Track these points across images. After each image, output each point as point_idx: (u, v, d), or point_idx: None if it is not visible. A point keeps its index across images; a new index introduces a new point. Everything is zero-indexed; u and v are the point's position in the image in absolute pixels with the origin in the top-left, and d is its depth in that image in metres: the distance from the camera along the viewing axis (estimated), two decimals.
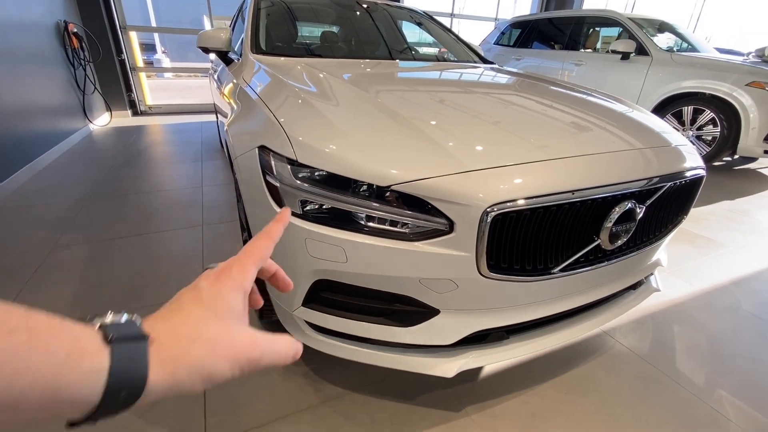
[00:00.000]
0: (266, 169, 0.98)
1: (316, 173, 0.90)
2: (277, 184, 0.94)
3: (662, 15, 5.01)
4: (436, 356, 1.00)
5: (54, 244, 2.04)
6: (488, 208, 0.81)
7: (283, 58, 1.74)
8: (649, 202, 1.01)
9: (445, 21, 7.55)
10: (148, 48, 17.12)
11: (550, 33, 5.43)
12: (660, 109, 4.02)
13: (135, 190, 2.84)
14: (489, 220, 0.81)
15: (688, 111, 3.79)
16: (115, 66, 5.32)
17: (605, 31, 4.92)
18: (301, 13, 2.29)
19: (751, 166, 4.22)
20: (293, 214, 0.92)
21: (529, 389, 1.25)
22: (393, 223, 0.87)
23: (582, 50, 4.93)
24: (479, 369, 1.32)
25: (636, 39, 4.21)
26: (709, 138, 3.70)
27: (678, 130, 3.86)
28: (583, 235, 0.96)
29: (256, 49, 1.83)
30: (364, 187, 0.86)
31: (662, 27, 4.67)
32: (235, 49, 2.14)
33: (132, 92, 5.70)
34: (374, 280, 0.90)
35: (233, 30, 2.83)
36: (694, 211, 2.78)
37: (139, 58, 6.03)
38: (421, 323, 0.95)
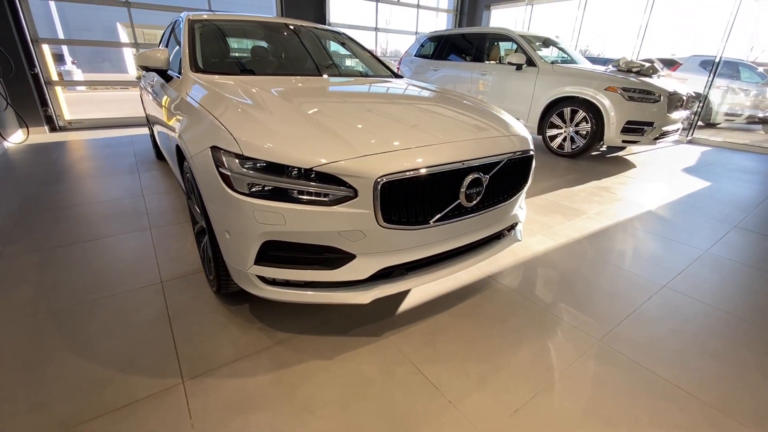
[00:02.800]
0: (218, 163, 1.32)
1: (258, 163, 1.26)
2: (229, 174, 1.28)
3: (548, 31, 5.99)
4: (356, 290, 1.40)
5: None
6: (377, 179, 1.23)
7: (219, 76, 2.04)
8: (492, 173, 1.51)
9: (369, 35, 8.11)
10: (57, 59, 15.63)
11: (461, 46, 6.19)
12: (548, 110, 4.87)
13: (72, 203, 2.90)
14: (379, 187, 1.23)
15: (567, 111, 4.66)
16: (28, 81, 5.07)
17: (506, 45, 5.76)
18: (231, 34, 2.59)
19: (620, 153, 5.25)
20: (242, 193, 1.27)
21: (432, 317, 1.70)
22: (316, 194, 1.25)
23: (487, 62, 5.72)
24: (395, 306, 1.74)
25: (525, 53, 5.05)
26: (584, 132, 4.58)
27: (562, 127, 4.74)
28: (448, 196, 1.42)
29: (195, 68, 2.12)
30: (294, 170, 1.24)
31: (546, 42, 5.61)
32: (172, 67, 2.38)
33: (48, 107, 5.44)
34: (306, 236, 1.28)
35: (166, 46, 3.03)
36: (568, 190, 3.52)
37: (54, 72, 5.76)
38: (343, 266, 1.35)
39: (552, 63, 4.94)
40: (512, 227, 1.89)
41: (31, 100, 5.16)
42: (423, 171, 1.30)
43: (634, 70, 4.76)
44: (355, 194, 1.25)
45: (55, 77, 5.77)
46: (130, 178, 3.54)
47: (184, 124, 1.65)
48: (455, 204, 1.44)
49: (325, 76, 2.43)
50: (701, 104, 6.42)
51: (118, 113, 6.48)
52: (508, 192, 1.67)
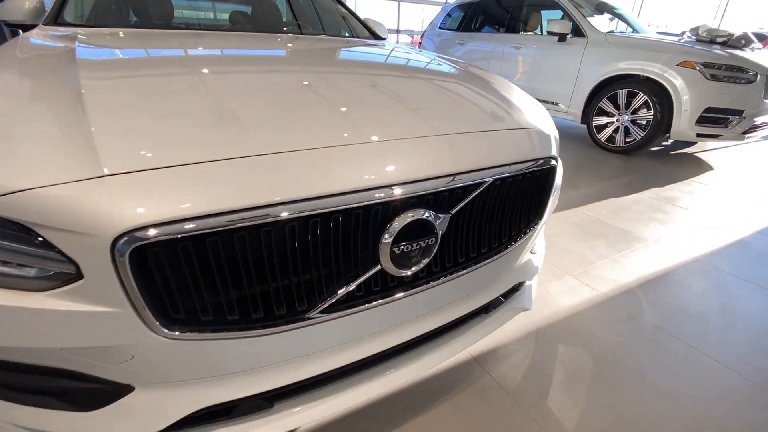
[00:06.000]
0: None
1: None
2: None
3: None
4: None
5: None
6: (122, 236, 0.49)
7: (74, 29, 1.36)
8: (457, 208, 0.73)
9: (392, 4, 7.19)
10: None
11: (494, 15, 5.18)
12: (597, 93, 3.84)
13: None
14: (128, 254, 0.50)
15: (622, 94, 3.62)
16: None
17: (551, 14, 4.69)
18: None
19: (689, 150, 4.13)
20: None
21: None
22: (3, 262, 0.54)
23: (522, 33, 4.70)
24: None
25: (571, 19, 4.00)
26: (644, 122, 3.54)
27: (614, 115, 3.71)
28: (355, 258, 0.66)
29: (54, 18, 1.45)
30: None
31: (600, 7, 4.49)
32: None
33: None
34: None
35: None
36: (617, 201, 2.59)
37: None
38: (107, 405, 0.63)
39: (607, 33, 3.87)
40: (515, 289, 1.10)
41: None
42: (257, 215, 0.54)
43: (719, 40, 3.61)
44: (78, 272, 0.52)
45: None
46: None
47: None
48: (374, 272, 0.68)
49: (240, 33, 1.66)
50: None
51: None
52: (503, 236, 0.88)
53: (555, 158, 0.90)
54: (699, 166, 3.54)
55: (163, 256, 0.52)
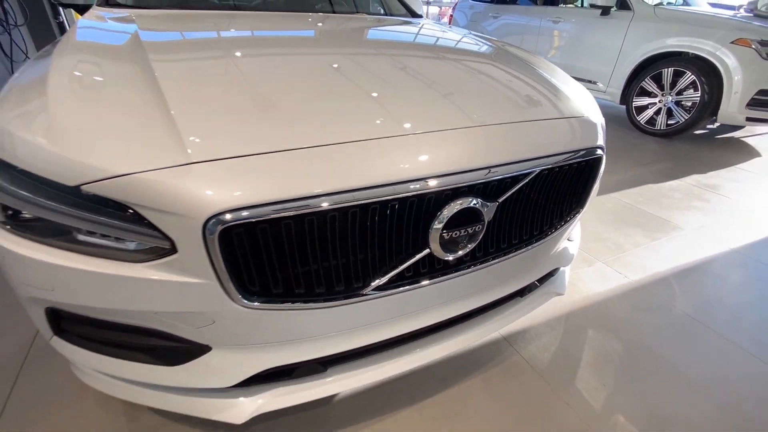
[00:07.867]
0: None
1: (10, 170, 0.64)
2: None
3: None
4: (224, 397, 0.79)
5: None
6: (210, 219, 0.55)
7: (131, 11, 1.42)
8: (504, 197, 0.76)
9: None
10: None
11: None
12: (639, 72, 3.65)
13: None
14: (217, 236, 0.56)
15: (668, 73, 3.43)
16: (53, 30, 4.88)
17: None
18: None
19: (736, 134, 3.90)
20: None
21: (389, 416, 1.04)
22: (102, 238, 0.61)
23: (562, 6, 4.46)
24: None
25: None
26: (689, 104, 3.36)
27: (656, 96, 3.53)
28: (406, 242, 0.71)
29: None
30: (59, 190, 0.60)
31: None
32: None
33: None
34: (96, 312, 0.67)
35: None
36: (656, 187, 2.52)
37: None
38: (188, 362, 0.73)
39: (656, 5, 3.63)
40: (550, 274, 1.13)
41: None
42: (324, 202, 0.60)
43: None
44: (173, 247, 0.59)
45: None
46: None
47: None
48: (423, 255, 0.73)
49: (286, 12, 1.68)
50: None
51: None
52: (545, 224, 0.90)
53: (602, 148, 0.91)
54: (746, 152, 3.36)
55: (244, 236, 0.58)
